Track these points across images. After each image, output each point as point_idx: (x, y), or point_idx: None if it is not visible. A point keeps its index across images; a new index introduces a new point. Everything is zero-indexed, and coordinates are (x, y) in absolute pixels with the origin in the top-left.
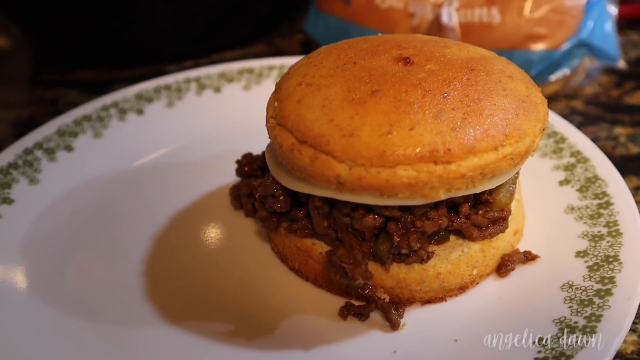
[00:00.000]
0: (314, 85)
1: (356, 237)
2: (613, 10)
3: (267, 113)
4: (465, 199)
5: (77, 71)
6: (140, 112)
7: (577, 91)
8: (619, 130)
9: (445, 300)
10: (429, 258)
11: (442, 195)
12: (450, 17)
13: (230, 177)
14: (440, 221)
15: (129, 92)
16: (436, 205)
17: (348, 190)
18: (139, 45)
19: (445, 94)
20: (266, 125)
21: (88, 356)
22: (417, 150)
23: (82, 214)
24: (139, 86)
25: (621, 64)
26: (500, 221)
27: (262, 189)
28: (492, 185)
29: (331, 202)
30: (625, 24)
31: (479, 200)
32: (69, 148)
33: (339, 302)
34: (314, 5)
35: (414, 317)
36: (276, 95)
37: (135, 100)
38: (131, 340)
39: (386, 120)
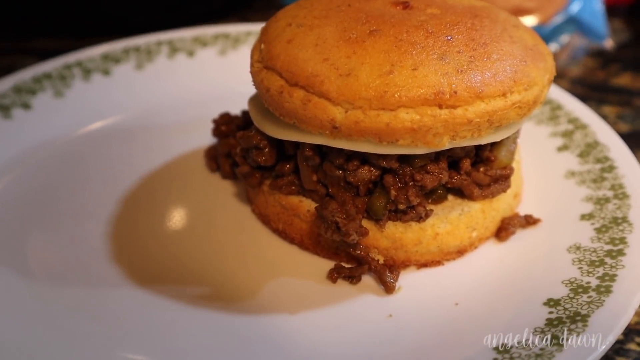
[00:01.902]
0: (306, 26)
1: (349, 192)
2: None
3: (251, 58)
4: (467, 154)
5: (34, 40)
6: (106, 72)
7: (563, 72)
8: (607, 110)
9: (443, 264)
10: (427, 216)
11: (447, 144)
12: None
13: (202, 141)
14: (440, 175)
15: (95, 52)
16: (437, 157)
17: (343, 136)
18: (103, 13)
19: (449, 37)
20: (250, 72)
21: (52, 320)
22: (421, 91)
23: (43, 173)
24: (105, 46)
25: (609, 43)
26: (502, 179)
27: (244, 141)
28: (497, 137)
29: (322, 153)
30: (607, 11)
31: (479, 158)
32: (26, 106)
33: (328, 265)
34: None
35: (409, 280)
36: (262, 38)
37: (101, 61)
38: (98, 303)
39: (387, 59)
